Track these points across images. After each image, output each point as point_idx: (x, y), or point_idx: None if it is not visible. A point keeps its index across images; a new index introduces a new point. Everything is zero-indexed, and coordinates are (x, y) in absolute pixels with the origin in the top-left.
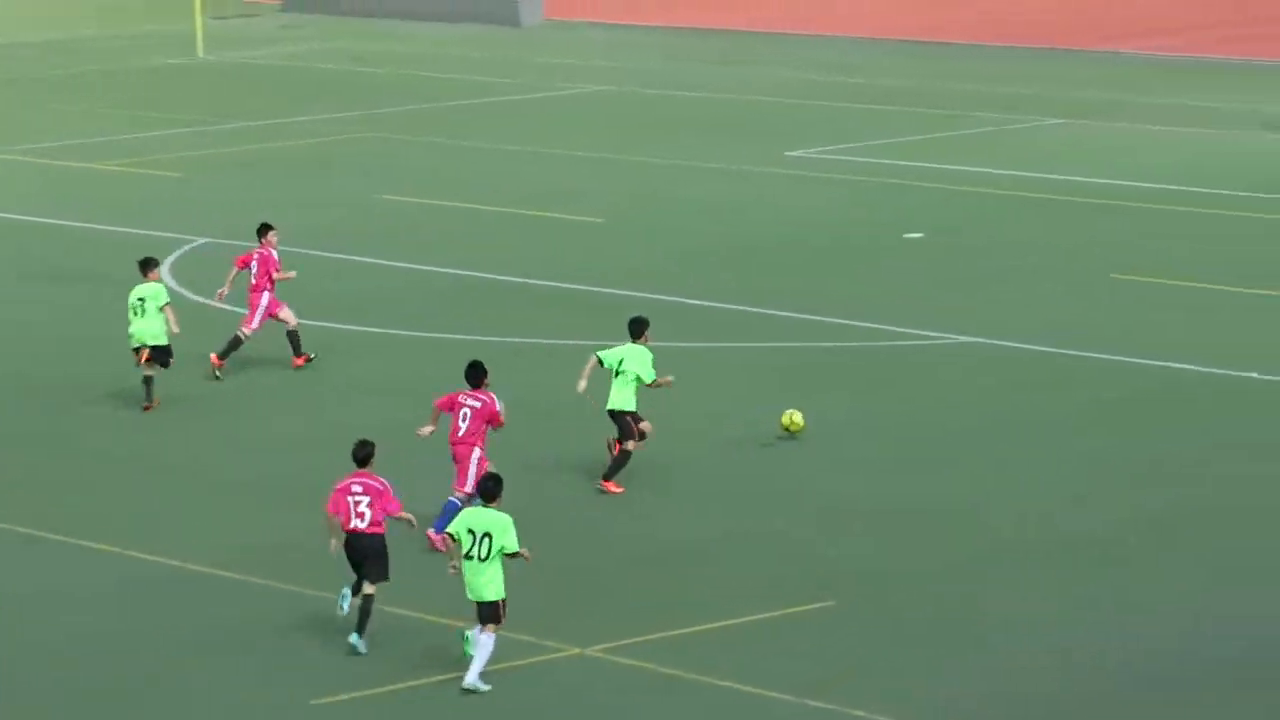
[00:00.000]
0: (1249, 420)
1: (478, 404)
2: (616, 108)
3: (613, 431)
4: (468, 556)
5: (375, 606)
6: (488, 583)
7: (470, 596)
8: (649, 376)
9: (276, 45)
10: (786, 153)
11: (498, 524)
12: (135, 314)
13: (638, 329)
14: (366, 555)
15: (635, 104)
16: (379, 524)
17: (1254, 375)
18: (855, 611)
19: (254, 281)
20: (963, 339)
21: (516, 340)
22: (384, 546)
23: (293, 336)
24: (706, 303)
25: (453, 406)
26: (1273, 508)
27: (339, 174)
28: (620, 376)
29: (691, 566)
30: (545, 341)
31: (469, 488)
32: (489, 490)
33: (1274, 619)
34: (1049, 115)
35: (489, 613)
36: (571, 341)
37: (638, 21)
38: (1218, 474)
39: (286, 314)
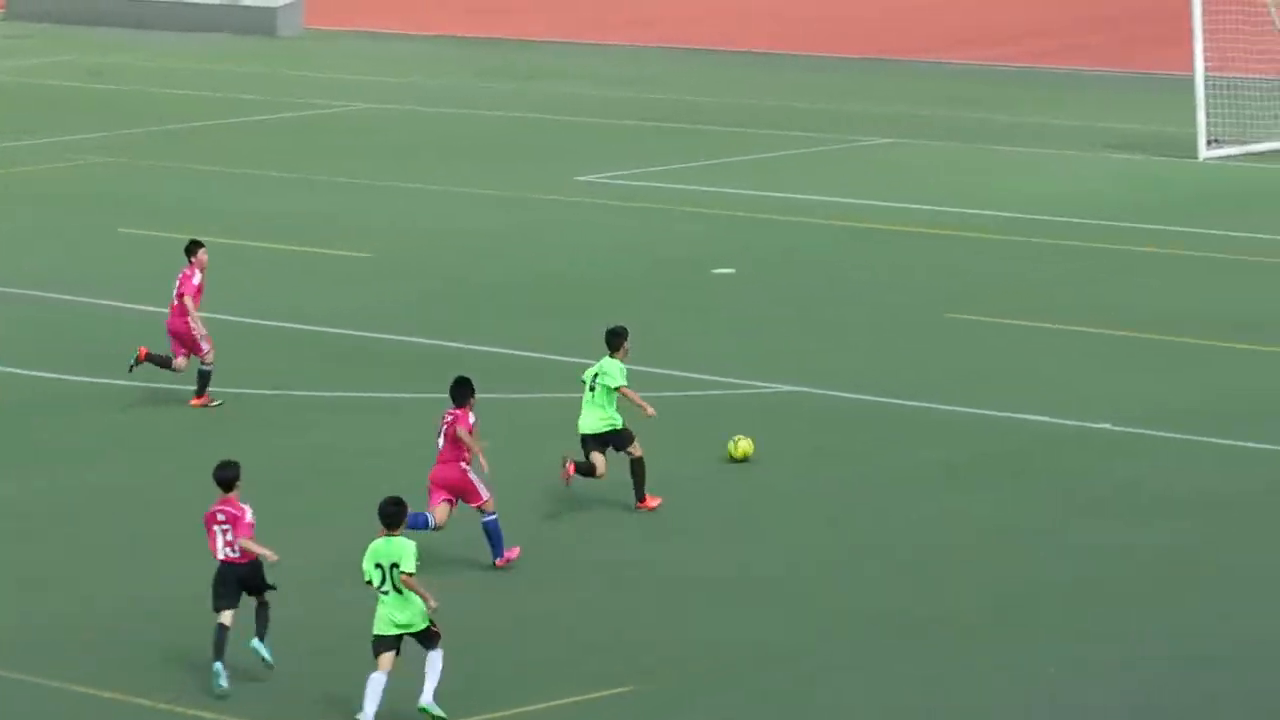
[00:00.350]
0: (1102, 479)
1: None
2: (386, 128)
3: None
4: (384, 592)
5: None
6: (416, 612)
7: (396, 631)
8: (616, 382)
9: None
10: (577, 178)
11: (403, 551)
12: None
13: (615, 341)
14: (246, 584)
15: (406, 123)
16: (246, 554)
17: (1108, 426)
18: (660, 697)
19: (175, 304)
20: (783, 388)
21: (272, 393)
22: (258, 570)
23: (157, 361)
24: (485, 348)
25: (439, 427)
26: (1136, 580)
27: (72, 205)
28: (594, 394)
29: (485, 649)
30: (300, 394)
31: (485, 493)
32: (393, 517)
33: (1128, 710)
34: (874, 134)
35: (429, 639)
36: (327, 393)
37: (409, 30)
38: (1075, 543)
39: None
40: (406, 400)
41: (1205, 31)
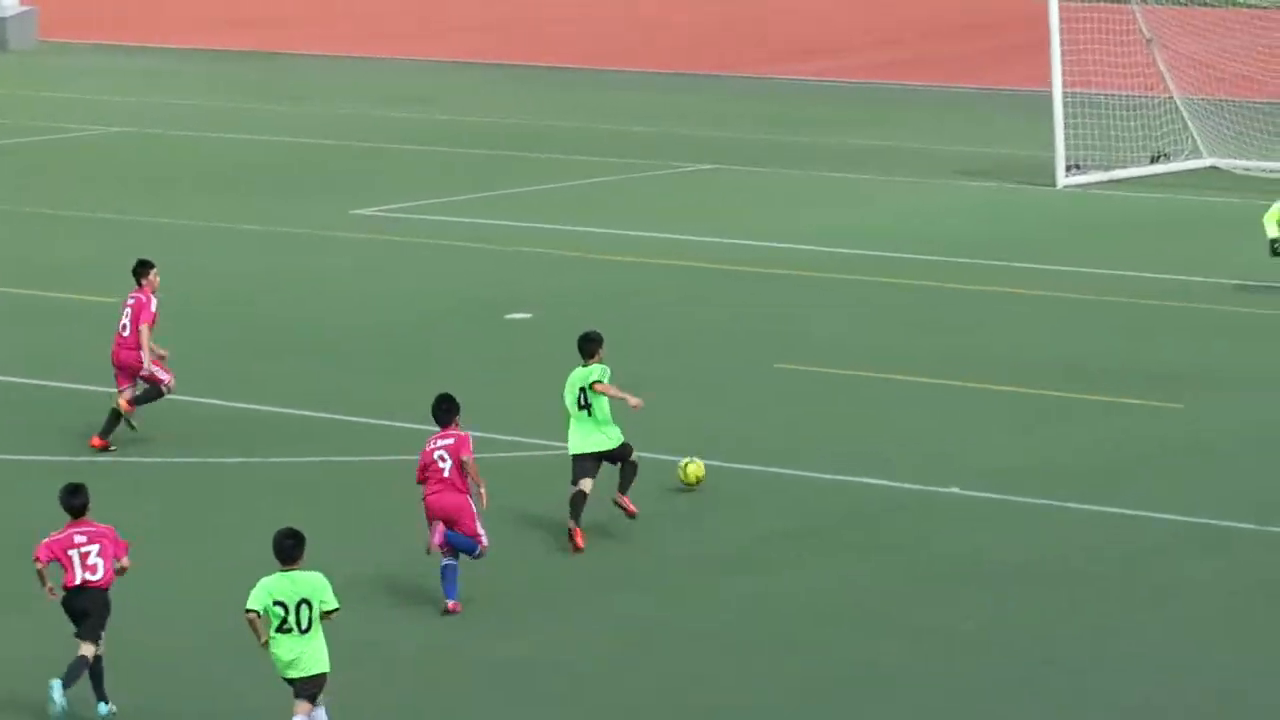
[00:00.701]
0: (947, 549)
1: (451, 441)
2: (133, 154)
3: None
4: (284, 630)
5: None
6: (315, 654)
7: (292, 674)
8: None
9: None
10: (352, 211)
11: (315, 585)
12: None
13: (589, 347)
14: (90, 610)
15: (157, 149)
16: (109, 575)
17: (955, 490)
18: None
19: (125, 335)
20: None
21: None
22: (109, 600)
23: (115, 417)
24: (247, 405)
25: (424, 460)
26: (982, 664)
27: None
28: (589, 412)
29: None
30: (47, 459)
31: (486, 539)
32: (290, 550)
33: None
34: (693, 159)
35: (317, 687)
36: (65, 458)
37: (158, 43)
38: (911, 623)
39: (128, 395)
40: (142, 465)
41: (1064, 42)
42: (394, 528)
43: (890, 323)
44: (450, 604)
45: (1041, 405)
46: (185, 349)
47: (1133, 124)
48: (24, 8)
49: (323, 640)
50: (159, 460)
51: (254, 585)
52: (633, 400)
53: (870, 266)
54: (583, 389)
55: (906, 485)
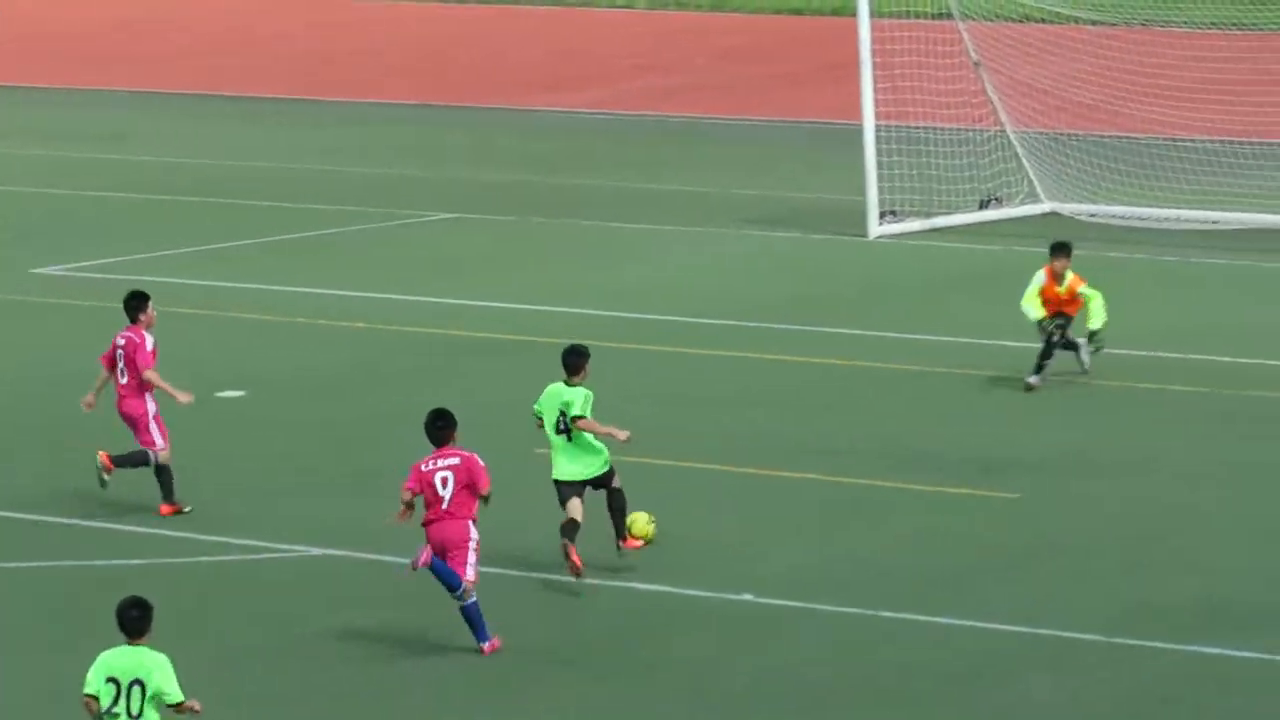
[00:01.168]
0: (742, 668)
1: (456, 461)
2: None
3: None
4: (111, 714)
5: None
6: None
7: None
8: (574, 411)
9: None
10: (33, 270)
11: (150, 666)
12: None
13: (576, 362)
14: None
15: None
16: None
17: (749, 598)
18: None
19: (123, 382)
20: (321, 552)
21: None
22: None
23: (164, 474)
24: None
25: (421, 482)
26: None
27: None
28: (569, 439)
29: None
30: None
31: (471, 574)
32: (135, 622)
33: None
34: (428, 206)
35: None
36: None
37: None
38: None
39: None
40: None
41: (877, 66)
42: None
43: (669, 399)
44: (486, 646)
45: (852, 495)
46: None
47: (958, 163)
48: None
49: None
50: None
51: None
52: (620, 434)
53: (644, 333)
54: (562, 413)
55: (693, 591)
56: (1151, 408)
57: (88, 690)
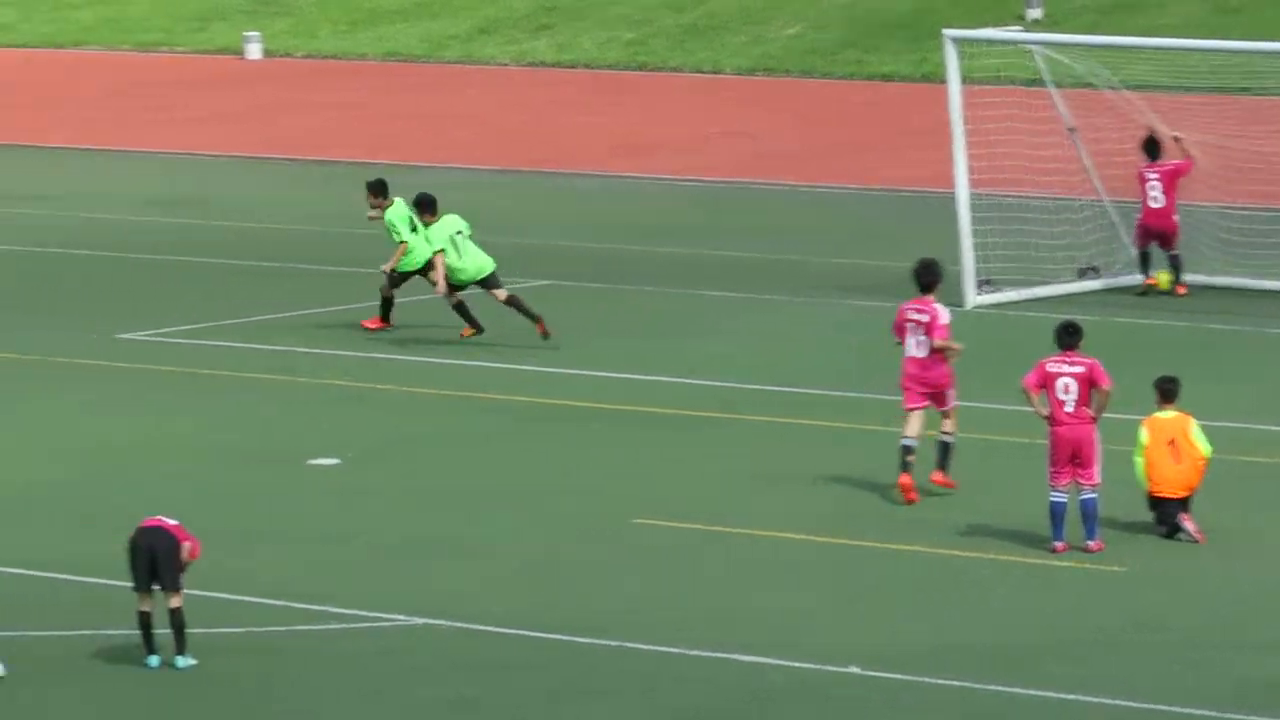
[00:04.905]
0: None
1: (1080, 369)
2: None
3: None
4: None
5: None
6: None
7: None
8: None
9: None
10: (118, 335)
11: None
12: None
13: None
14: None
15: None
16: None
17: (855, 670)
18: None
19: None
20: (421, 621)
21: None
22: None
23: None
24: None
25: (1045, 380)
26: None
27: None
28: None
29: None
30: None
31: (1097, 477)
32: None
33: None
34: (523, 273)
35: None
36: None
37: None
38: None
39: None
40: None
41: (968, 134)
42: None
43: (763, 469)
44: (1093, 544)
45: (954, 567)
46: None
47: (1054, 230)
48: None
49: None
50: None
51: None
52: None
53: (735, 401)
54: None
55: (795, 663)
56: (1263, 482)
57: None
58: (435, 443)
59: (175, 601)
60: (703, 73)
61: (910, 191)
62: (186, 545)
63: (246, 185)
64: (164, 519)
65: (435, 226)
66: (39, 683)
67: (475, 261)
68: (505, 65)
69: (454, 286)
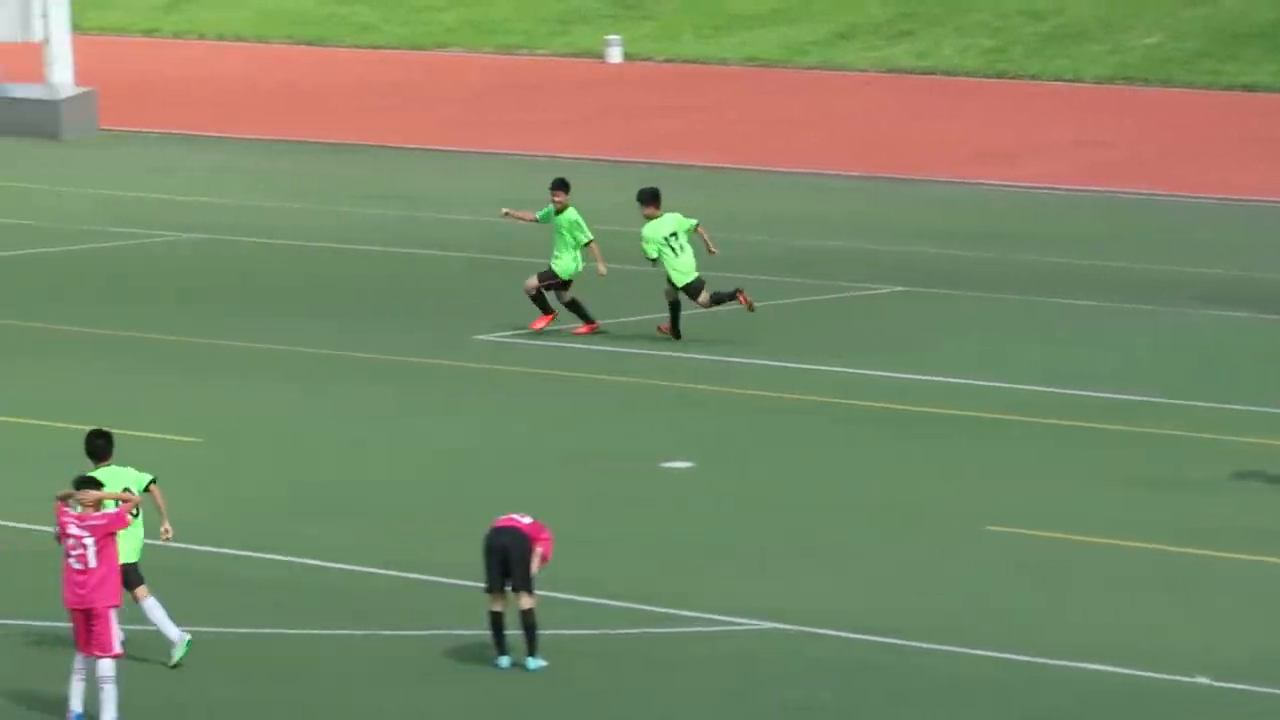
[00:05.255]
0: None
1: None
2: (211, 268)
3: None
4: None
5: None
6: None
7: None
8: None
9: None
10: (477, 336)
11: (126, 476)
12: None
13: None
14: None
15: (226, 260)
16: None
17: (1203, 681)
18: None
19: None
20: (771, 626)
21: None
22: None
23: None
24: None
25: None
26: None
27: None
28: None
29: None
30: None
31: None
32: (103, 449)
33: None
34: (872, 279)
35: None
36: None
37: (238, 133)
38: None
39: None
40: None
41: None
42: None
43: (1125, 480)
44: None
45: None
46: (266, 505)
47: None
48: (81, 90)
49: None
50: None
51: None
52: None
53: (1101, 412)
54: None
55: (1142, 673)
56: None
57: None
58: (785, 445)
59: (527, 602)
60: (1062, 80)
61: (1271, 202)
62: (539, 549)
63: (603, 189)
64: (518, 518)
65: (653, 223)
66: (389, 682)
67: (689, 264)
68: (864, 71)
69: (673, 286)
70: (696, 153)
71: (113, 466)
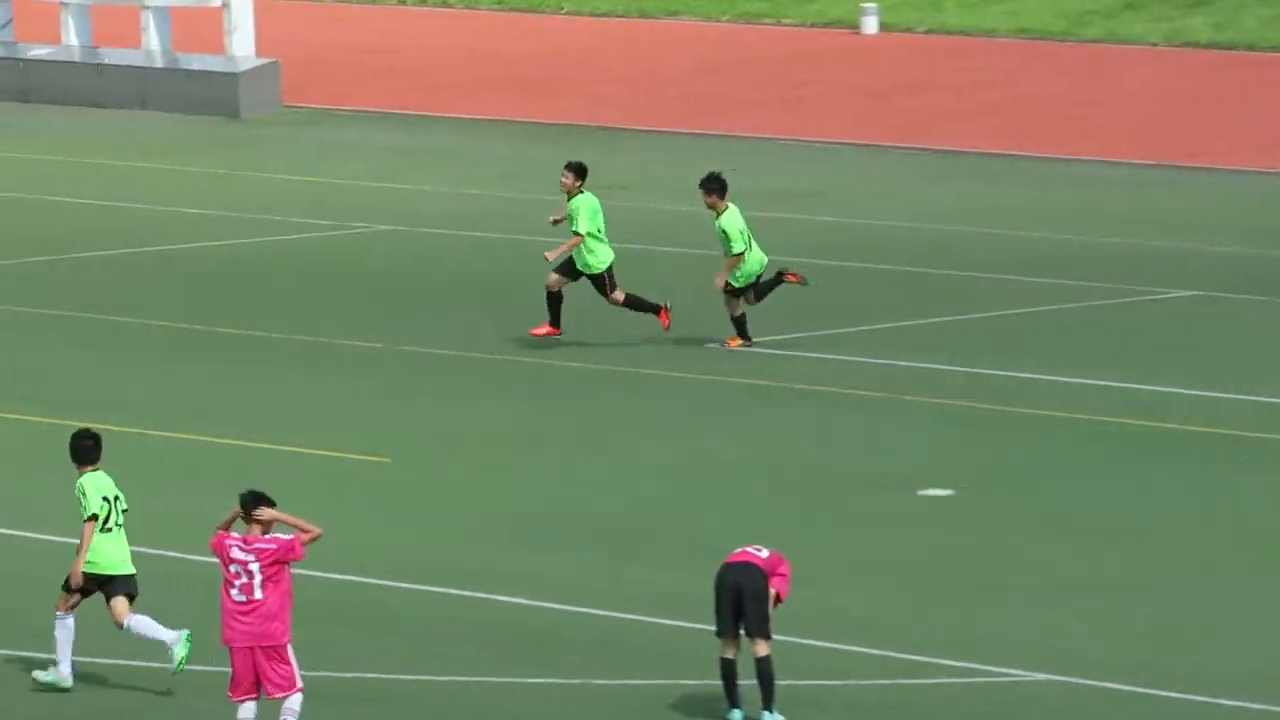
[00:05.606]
0: None
1: None
2: (416, 262)
3: None
4: (106, 530)
5: None
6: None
7: (125, 570)
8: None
9: None
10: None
11: (115, 482)
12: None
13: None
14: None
15: (430, 256)
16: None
17: None
18: None
19: None
20: (1037, 676)
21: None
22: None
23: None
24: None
25: None
26: None
27: None
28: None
29: None
30: None
31: None
32: (90, 452)
33: None
34: (1167, 283)
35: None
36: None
37: (442, 112)
38: None
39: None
40: None
41: None
42: None
43: None
44: None
45: None
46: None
47: None
48: (261, 61)
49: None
50: None
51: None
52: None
53: None
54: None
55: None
56: None
57: (93, 511)
58: (1049, 472)
59: (762, 649)
60: None
61: None
62: (773, 588)
63: (856, 174)
64: (754, 551)
65: (726, 215)
66: None
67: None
68: (1154, 45)
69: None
70: (963, 137)
71: (100, 472)
